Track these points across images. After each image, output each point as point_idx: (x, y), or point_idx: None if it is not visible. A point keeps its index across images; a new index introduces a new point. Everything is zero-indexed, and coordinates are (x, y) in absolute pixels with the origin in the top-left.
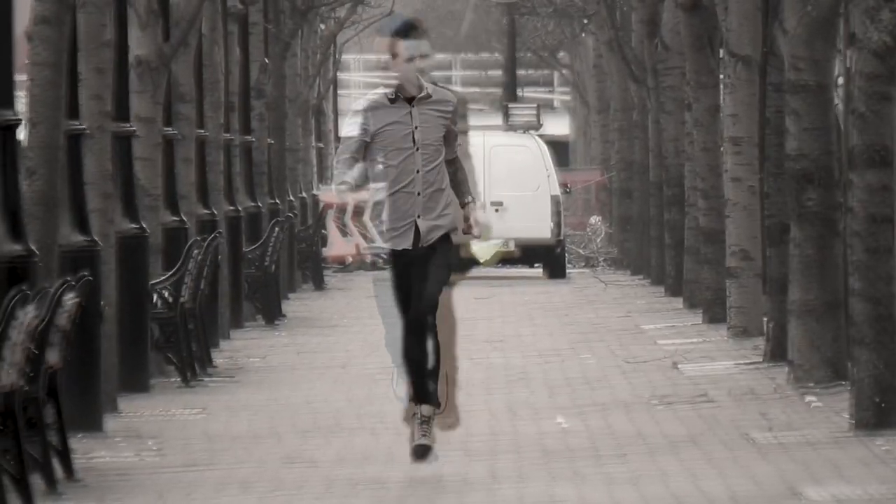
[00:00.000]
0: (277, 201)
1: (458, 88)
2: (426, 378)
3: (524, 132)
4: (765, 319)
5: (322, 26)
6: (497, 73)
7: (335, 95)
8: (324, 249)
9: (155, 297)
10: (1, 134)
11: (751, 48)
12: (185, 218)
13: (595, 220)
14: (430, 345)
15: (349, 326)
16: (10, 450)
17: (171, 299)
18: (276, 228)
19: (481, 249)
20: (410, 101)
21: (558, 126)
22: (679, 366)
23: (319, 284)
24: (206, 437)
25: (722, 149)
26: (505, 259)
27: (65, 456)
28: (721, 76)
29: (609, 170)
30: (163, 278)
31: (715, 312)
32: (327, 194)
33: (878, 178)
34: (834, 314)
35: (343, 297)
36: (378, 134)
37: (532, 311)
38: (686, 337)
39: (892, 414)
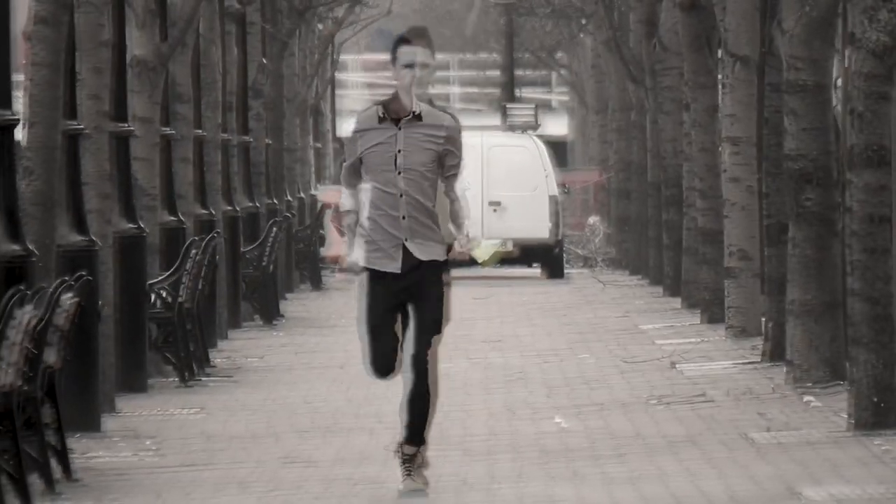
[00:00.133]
0: (275, 201)
1: (456, 89)
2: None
3: (522, 132)
4: (763, 319)
5: (320, 26)
6: (495, 73)
7: (333, 95)
8: (322, 249)
9: (153, 297)
10: None
11: (749, 48)
12: (183, 218)
13: (593, 220)
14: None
15: (347, 326)
16: (9, 450)
17: (169, 299)
18: (274, 228)
19: (479, 250)
20: (399, 121)
21: (557, 126)
22: (677, 366)
23: (317, 284)
24: (205, 436)
25: (720, 149)
26: (503, 259)
27: (63, 456)
28: (719, 76)
29: (607, 170)
30: (161, 278)
31: (713, 312)
32: (325, 194)
33: (876, 178)
34: (832, 314)
35: (341, 297)
36: (365, 154)
37: (530, 311)
38: (684, 337)
39: (891, 414)
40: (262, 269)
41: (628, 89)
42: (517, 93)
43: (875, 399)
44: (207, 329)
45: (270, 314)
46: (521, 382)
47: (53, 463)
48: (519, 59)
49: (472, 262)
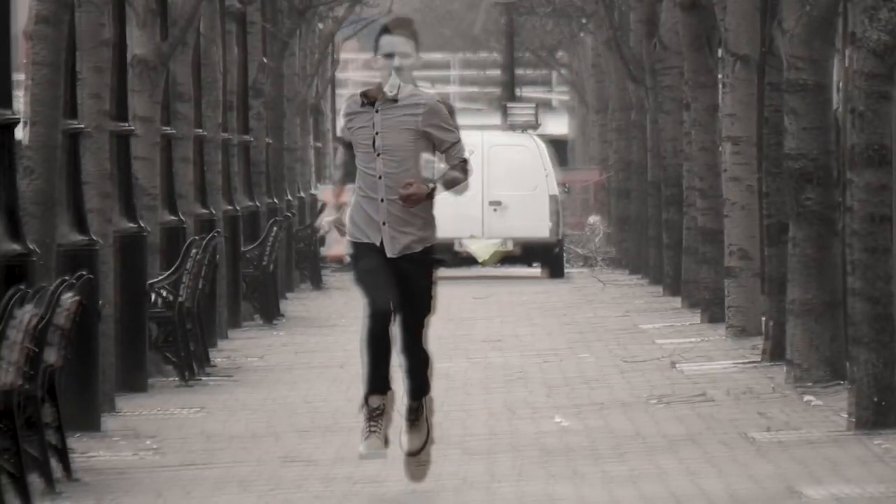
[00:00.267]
0: (276, 200)
1: (457, 88)
2: (389, 366)
3: (523, 131)
4: (763, 319)
5: (320, 25)
6: (496, 72)
7: (333, 95)
8: (322, 249)
9: (153, 296)
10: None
11: (749, 48)
12: (183, 217)
13: (593, 219)
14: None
15: (347, 326)
16: (9, 449)
17: (169, 299)
18: (275, 228)
19: (480, 249)
20: (374, 105)
21: (557, 125)
22: (678, 365)
23: (318, 284)
24: (205, 436)
25: (720, 148)
26: (503, 259)
27: (63, 455)
28: (719, 76)
29: (607, 169)
30: (161, 277)
31: (713, 312)
32: (326, 193)
33: (877, 178)
34: (833, 313)
35: (341, 297)
36: (353, 134)
37: (530, 310)
38: (685, 336)
39: (891, 413)
40: (263, 269)
41: (628, 89)
42: (517, 92)
43: (875, 398)
44: (208, 328)
45: (271, 314)
46: (521, 382)
47: (54, 462)
48: (519, 58)
49: (426, 198)
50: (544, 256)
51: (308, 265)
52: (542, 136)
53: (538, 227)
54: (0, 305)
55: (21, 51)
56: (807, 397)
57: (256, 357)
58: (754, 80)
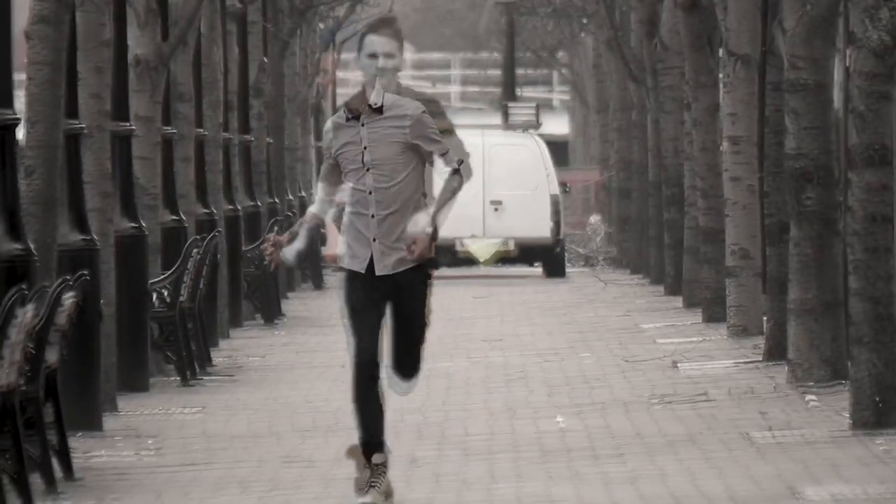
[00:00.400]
0: (276, 200)
1: (457, 88)
2: (382, 421)
3: (523, 131)
4: (764, 319)
5: (321, 25)
6: (496, 72)
7: (334, 94)
8: (323, 248)
9: (154, 296)
10: (0, 133)
11: (750, 47)
12: (183, 217)
13: (594, 219)
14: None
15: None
16: (10, 449)
17: (169, 298)
18: (276, 227)
19: (480, 249)
20: (360, 118)
21: (557, 125)
22: (678, 365)
23: (318, 283)
24: (205, 436)
25: (721, 148)
26: (504, 258)
27: (64, 455)
28: (720, 75)
29: (608, 169)
30: (162, 277)
31: (714, 312)
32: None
33: (877, 178)
34: (833, 313)
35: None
36: (338, 154)
37: (531, 310)
38: (685, 336)
39: (892, 413)
40: (263, 269)
41: (629, 88)
42: (518, 92)
43: (876, 398)
44: (208, 328)
45: (272, 313)
46: (522, 382)
47: (54, 462)
48: (520, 58)
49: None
50: (545, 256)
51: (309, 265)
52: (542, 136)
53: (539, 227)
54: (0, 305)
55: (21, 50)
56: (807, 397)
57: (257, 357)
58: (755, 79)
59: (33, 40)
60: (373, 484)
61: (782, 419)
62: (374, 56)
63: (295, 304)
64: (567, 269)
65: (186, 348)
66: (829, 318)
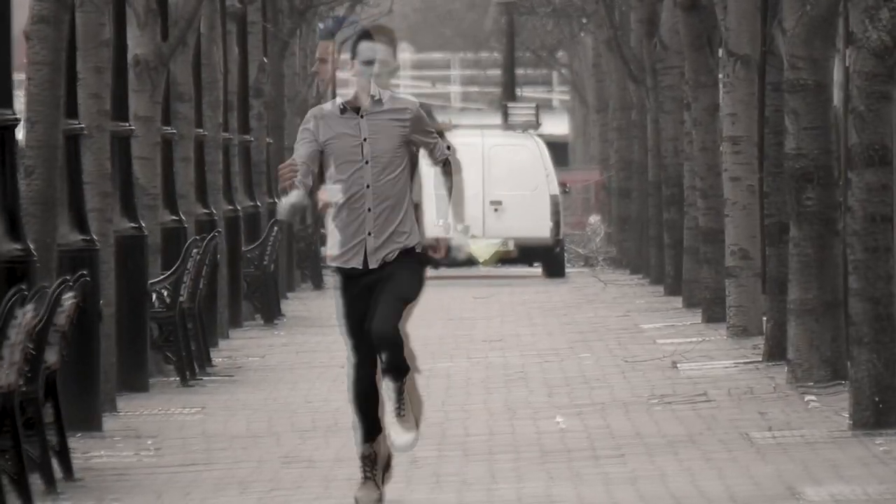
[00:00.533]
0: (276, 200)
1: (457, 88)
2: (378, 412)
3: (523, 131)
4: (764, 319)
5: (321, 25)
6: (496, 72)
7: (334, 95)
8: (323, 248)
9: (154, 296)
10: (0, 133)
11: (749, 47)
12: (183, 217)
13: (594, 219)
14: (386, 385)
15: None
16: (9, 450)
17: (169, 299)
18: (275, 228)
19: (480, 249)
20: (360, 111)
21: (557, 125)
22: (678, 365)
23: (318, 284)
24: (205, 436)
25: (721, 148)
26: (504, 259)
27: (63, 456)
28: (720, 75)
29: (608, 169)
30: (161, 278)
31: (714, 312)
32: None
33: (877, 178)
34: (833, 314)
35: None
36: (327, 145)
37: (531, 310)
38: (685, 336)
39: (891, 413)
40: (263, 269)
41: (629, 88)
42: (518, 92)
43: (876, 399)
44: (208, 328)
45: (271, 313)
46: (522, 382)
47: (54, 463)
48: (520, 58)
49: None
50: (545, 256)
51: (309, 265)
52: (542, 136)
53: (538, 227)
54: (0, 306)
55: (21, 51)
56: (807, 398)
57: (257, 357)
58: (755, 79)
59: (33, 40)
60: (367, 475)
61: (782, 419)
62: (370, 63)
63: (294, 304)
64: (567, 270)
65: (186, 349)
66: (829, 319)
